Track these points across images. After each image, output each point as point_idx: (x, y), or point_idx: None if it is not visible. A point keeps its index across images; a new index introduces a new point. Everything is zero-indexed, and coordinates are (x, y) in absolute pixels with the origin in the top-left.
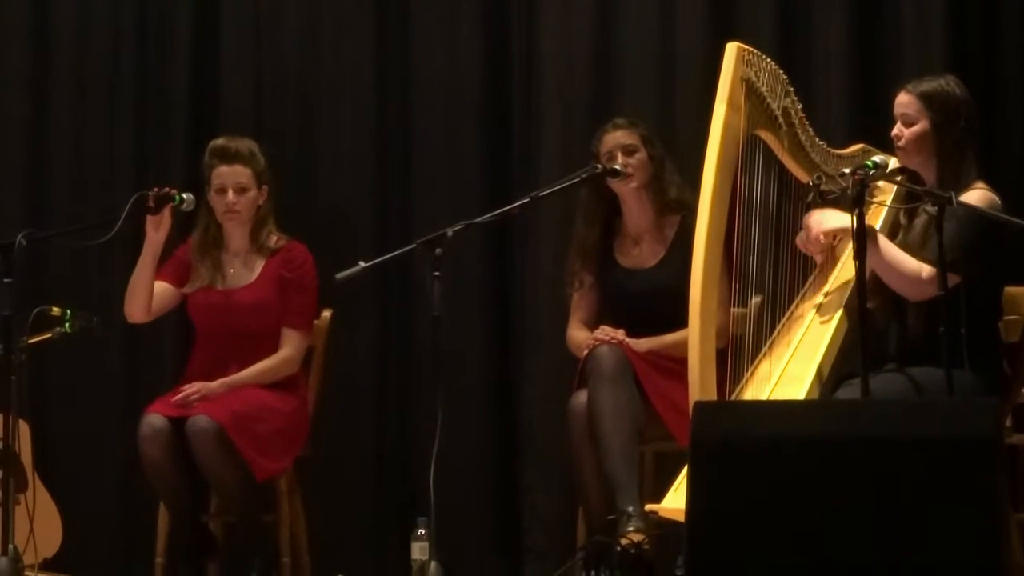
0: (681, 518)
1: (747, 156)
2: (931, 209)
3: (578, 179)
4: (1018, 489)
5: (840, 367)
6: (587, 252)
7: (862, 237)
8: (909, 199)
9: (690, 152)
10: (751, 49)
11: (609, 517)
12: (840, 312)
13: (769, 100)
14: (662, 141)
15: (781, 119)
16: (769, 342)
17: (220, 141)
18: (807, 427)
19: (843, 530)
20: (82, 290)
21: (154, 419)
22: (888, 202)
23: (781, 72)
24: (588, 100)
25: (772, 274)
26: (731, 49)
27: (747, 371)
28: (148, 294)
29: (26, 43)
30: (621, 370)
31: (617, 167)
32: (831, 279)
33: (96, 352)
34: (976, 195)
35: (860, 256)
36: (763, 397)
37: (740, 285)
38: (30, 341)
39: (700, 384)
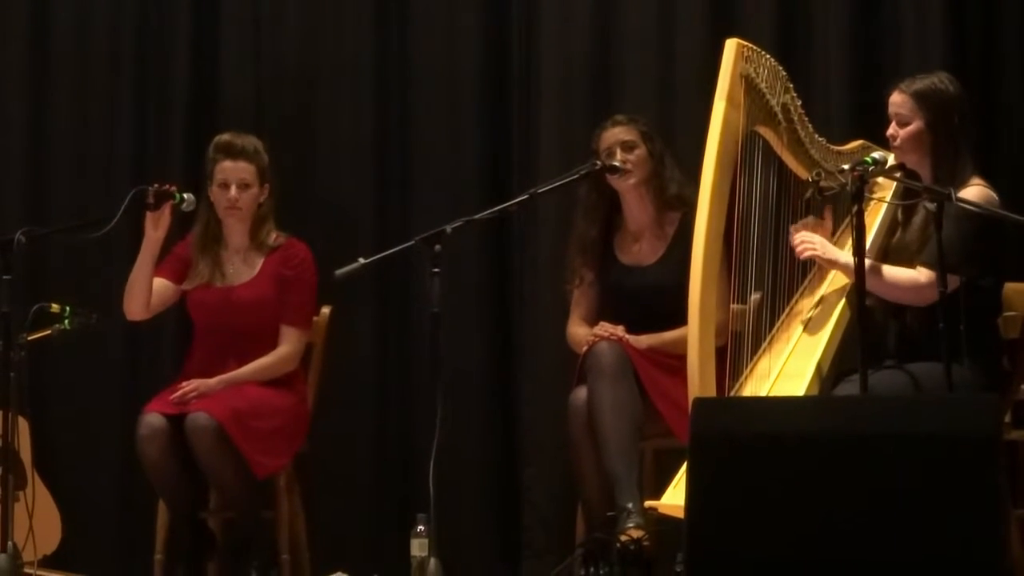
0: (680, 514)
1: (747, 152)
2: (930, 206)
3: (577, 176)
4: (1017, 485)
5: (839, 363)
6: (587, 248)
7: (861, 231)
8: (908, 196)
9: (689, 148)
10: (751, 45)
11: (609, 514)
12: (839, 308)
13: (768, 96)
14: (661, 138)
15: (780, 115)
16: (768, 338)
17: (225, 137)
18: (806, 423)
19: (842, 526)
20: (81, 287)
21: (153, 418)
22: (888, 198)
23: (780, 68)
24: (587, 97)
25: (771, 270)
26: (731, 45)
27: (746, 367)
28: (147, 292)
29: (26, 40)
30: (621, 367)
31: (616, 163)
32: (830, 276)
33: (95, 349)
34: (973, 191)
35: (859, 253)
36: (762, 393)
37: (739, 281)
38: (29, 338)
39: (699, 380)
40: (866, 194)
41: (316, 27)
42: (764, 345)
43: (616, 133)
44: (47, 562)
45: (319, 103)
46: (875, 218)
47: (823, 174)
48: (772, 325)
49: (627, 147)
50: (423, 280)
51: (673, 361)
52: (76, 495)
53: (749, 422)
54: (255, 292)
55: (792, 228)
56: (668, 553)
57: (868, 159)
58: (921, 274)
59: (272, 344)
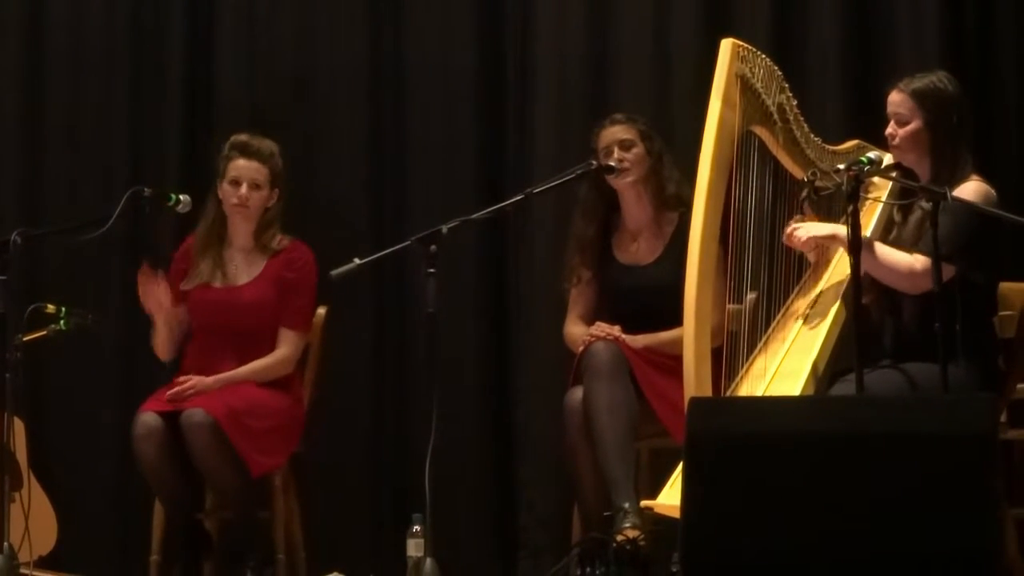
0: (676, 514)
1: (742, 152)
2: (926, 205)
3: (573, 176)
4: (1013, 485)
5: (835, 363)
6: (585, 247)
7: (857, 231)
8: (904, 195)
9: (685, 148)
10: (746, 45)
11: (605, 513)
12: (835, 308)
13: (764, 96)
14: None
15: (776, 115)
16: (764, 338)
17: (243, 136)
18: (802, 423)
19: (838, 526)
20: (77, 288)
21: (148, 417)
22: (883, 198)
23: (776, 68)
24: (583, 96)
25: (767, 270)
26: (726, 45)
27: (742, 367)
28: (171, 342)
29: (20, 39)
30: (617, 366)
31: (612, 163)
32: (826, 275)
33: (91, 349)
34: (971, 187)
35: (855, 251)
36: (758, 393)
37: (735, 281)
38: (25, 339)
39: (695, 380)
40: (861, 194)
41: (311, 26)
42: (760, 345)
43: (614, 132)
44: (43, 563)
45: (314, 103)
46: (871, 218)
47: (819, 174)
48: (768, 325)
49: (625, 146)
50: (419, 280)
51: (669, 361)
52: (72, 496)
53: (745, 422)
54: (256, 293)
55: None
56: (664, 553)
57: (864, 159)
58: (917, 261)
59: (270, 345)
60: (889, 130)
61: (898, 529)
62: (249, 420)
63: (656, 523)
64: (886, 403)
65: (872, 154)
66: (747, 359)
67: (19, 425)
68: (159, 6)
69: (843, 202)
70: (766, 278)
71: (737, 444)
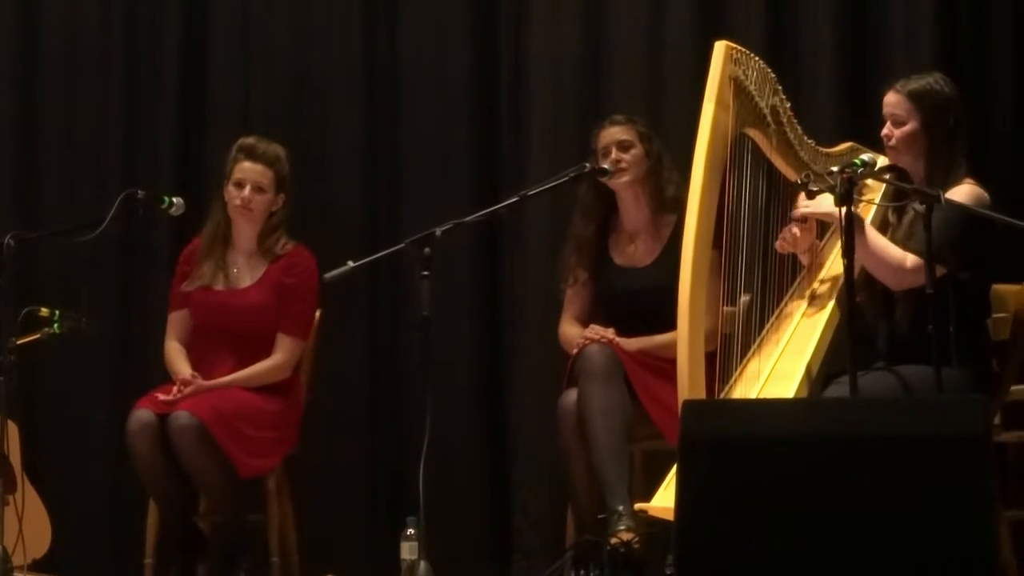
0: (670, 517)
1: (736, 155)
2: (919, 207)
3: (567, 178)
4: (1007, 487)
5: (829, 365)
6: (583, 248)
7: (850, 235)
8: (898, 197)
9: (679, 151)
10: (739, 48)
11: (599, 516)
12: (829, 310)
13: (757, 99)
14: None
15: (770, 118)
16: (758, 341)
17: (250, 140)
18: (796, 426)
19: (832, 528)
20: (71, 291)
21: (142, 414)
22: (877, 200)
23: (769, 71)
24: (577, 99)
25: (761, 272)
26: (719, 48)
27: (736, 370)
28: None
29: (14, 42)
30: (611, 369)
31: (606, 166)
32: (819, 277)
33: (85, 353)
34: (964, 190)
35: (848, 254)
36: (752, 396)
37: (729, 284)
38: (19, 342)
39: (689, 383)
40: (855, 196)
41: (305, 28)
42: (754, 347)
43: (613, 133)
44: (37, 566)
45: (308, 103)
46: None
47: (812, 176)
48: (762, 327)
49: (623, 146)
50: (413, 283)
51: (663, 364)
52: (66, 499)
53: (738, 424)
54: (256, 297)
55: (777, 245)
56: (658, 555)
57: (857, 161)
58: (907, 258)
59: (267, 350)
60: (885, 131)
61: (892, 531)
62: (239, 422)
63: (650, 525)
64: (880, 405)
65: (866, 156)
66: (741, 361)
67: (13, 428)
68: (153, 7)
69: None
70: (760, 280)
71: (731, 446)
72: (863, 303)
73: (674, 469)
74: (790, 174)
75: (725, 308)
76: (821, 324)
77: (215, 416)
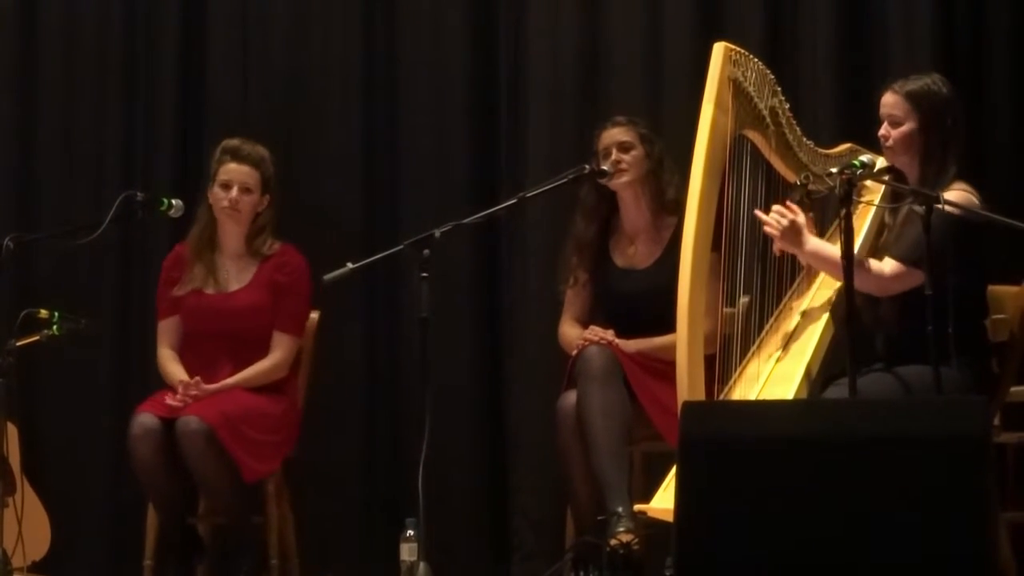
0: (670, 518)
1: (735, 156)
2: (918, 208)
3: (565, 180)
4: (1006, 488)
5: (828, 367)
6: (584, 248)
7: (849, 234)
8: (896, 199)
9: (678, 152)
10: (738, 49)
11: (598, 517)
12: (828, 312)
13: (756, 100)
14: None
15: (768, 119)
16: (757, 342)
17: (234, 141)
18: (795, 427)
19: (831, 529)
20: (70, 292)
21: (146, 418)
22: (876, 201)
23: (768, 72)
24: (576, 100)
25: (760, 274)
26: (718, 49)
27: (735, 371)
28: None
29: (12, 43)
30: (610, 371)
31: (605, 167)
32: (818, 279)
33: (84, 354)
34: (954, 196)
35: (847, 256)
36: (751, 397)
37: (728, 285)
38: (18, 344)
39: (688, 384)
40: (854, 197)
41: (303, 29)
42: (753, 349)
43: (614, 134)
44: (36, 568)
45: (307, 104)
46: (863, 221)
47: (811, 177)
48: (761, 329)
49: (623, 148)
50: (412, 284)
51: (662, 365)
52: (65, 501)
53: (738, 426)
54: (249, 298)
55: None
56: (658, 557)
57: (856, 162)
58: (886, 265)
59: (263, 350)
60: (882, 131)
61: (891, 532)
62: (244, 426)
63: (649, 527)
64: (879, 406)
65: (865, 157)
66: (740, 363)
67: (12, 430)
68: (152, 8)
69: (836, 205)
70: (759, 282)
71: (730, 448)
72: (862, 304)
73: (673, 470)
74: (789, 175)
75: (724, 309)
76: (820, 325)
77: (223, 420)
